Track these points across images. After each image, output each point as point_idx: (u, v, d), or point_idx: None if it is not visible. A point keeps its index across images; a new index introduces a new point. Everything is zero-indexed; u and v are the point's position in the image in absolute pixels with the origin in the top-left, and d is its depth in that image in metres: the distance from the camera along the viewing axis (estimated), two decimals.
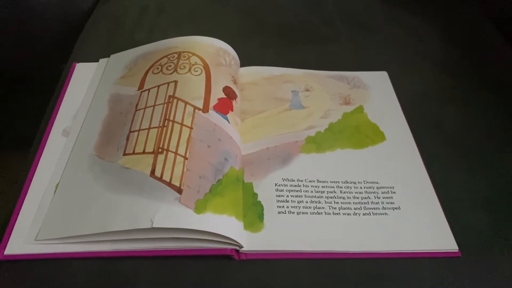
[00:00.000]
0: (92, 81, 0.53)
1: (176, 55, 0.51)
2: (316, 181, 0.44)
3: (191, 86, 0.47)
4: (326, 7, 0.69)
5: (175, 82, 0.47)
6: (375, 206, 0.43)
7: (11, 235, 0.39)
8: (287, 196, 0.43)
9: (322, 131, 0.49)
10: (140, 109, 0.46)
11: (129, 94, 0.49)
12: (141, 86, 0.49)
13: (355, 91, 0.54)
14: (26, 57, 0.68)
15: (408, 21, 0.67)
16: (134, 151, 0.42)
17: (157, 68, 0.50)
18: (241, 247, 0.38)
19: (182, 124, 0.43)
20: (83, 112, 0.49)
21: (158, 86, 0.48)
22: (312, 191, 0.43)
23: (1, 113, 0.67)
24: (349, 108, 0.52)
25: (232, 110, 0.47)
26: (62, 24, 0.69)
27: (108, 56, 0.56)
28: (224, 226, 0.38)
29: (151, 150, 0.42)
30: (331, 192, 0.44)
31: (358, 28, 0.66)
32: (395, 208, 0.43)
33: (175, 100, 0.46)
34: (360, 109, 0.52)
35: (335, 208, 0.42)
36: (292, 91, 0.54)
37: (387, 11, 0.69)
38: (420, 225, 0.42)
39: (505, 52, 0.63)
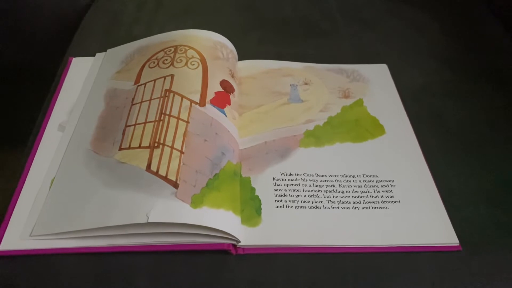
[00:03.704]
0: (89, 75, 0.53)
1: (172, 49, 0.50)
2: (314, 175, 0.44)
3: (188, 80, 0.47)
4: (326, 0, 0.69)
5: (172, 76, 0.47)
6: (375, 200, 0.42)
7: (6, 231, 0.38)
8: (285, 190, 0.42)
9: (321, 125, 0.49)
10: (136, 104, 0.46)
11: (125, 88, 0.48)
12: (137, 81, 0.49)
13: (355, 84, 0.54)
14: (23, 52, 0.68)
15: (408, 14, 0.66)
16: (130, 145, 0.42)
17: (154, 62, 0.50)
18: (239, 241, 0.38)
19: (178, 118, 0.43)
20: (79, 107, 0.49)
21: (155, 80, 0.47)
22: (310, 185, 0.43)
23: None
24: (348, 102, 0.52)
25: (229, 104, 0.47)
26: (59, 18, 0.68)
27: (105, 51, 0.56)
28: (221, 220, 0.37)
29: (147, 145, 0.41)
30: (330, 186, 0.43)
31: (358, 21, 0.65)
32: (395, 201, 0.42)
33: (171, 94, 0.45)
34: (359, 103, 0.52)
35: (333, 202, 0.42)
36: (290, 85, 0.53)
37: (387, 4, 0.68)
38: (420, 218, 0.41)
39: (506, 44, 0.62)
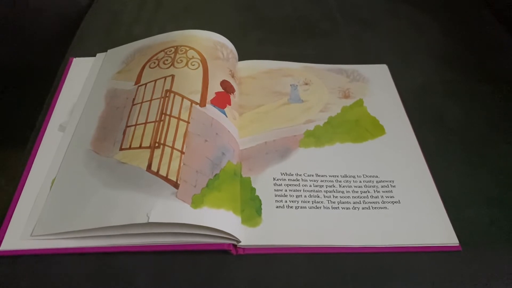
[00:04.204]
0: (89, 76, 0.53)
1: (173, 49, 0.50)
2: (315, 175, 0.44)
3: (188, 80, 0.47)
4: (326, 0, 0.69)
5: (172, 76, 0.47)
6: (375, 200, 0.42)
7: (7, 231, 0.39)
8: (286, 190, 0.42)
9: (321, 125, 0.49)
10: (137, 104, 0.46)
11: (126, 89, 0.48)
12: (138, 81, 0.49)
13: (355, 84, 0.54)
14: (23, 52, 0.68)
15: (408, 14, 0.66)
16: (130, 146, 0.42)
17: (154, 63, 0.50)
18: (239, 241, 0.38)
19: (179, 119, 0.43)
20: (79, 107, 0.49)
21: (155, 81, 0.47)
22: (310, 186, 0.43)
23: None
24: (348, 102, 0.52)
25: (229, 104, 0.47)
26: (60, 18, 0.68)
27: (106, 51, 0.56)
28: (221, 220, 0.37)
29: (148, 145, 0.41)
30: (330, 186, 0.43)
31: (358, 21, 0.65)
32: (395, 202, 0.42)
33: (172, 95, 0.45)
34: (359, 103, 0.52)
35: (334, 202, 0.42)
36: (291, 85, 0.53)
37: (387, 3, 0.68)
38: (420, 219, 0.41)
39: (506, 44, 0.62)
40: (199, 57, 0.49)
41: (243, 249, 0.39)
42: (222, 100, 0.46)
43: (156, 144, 0.41)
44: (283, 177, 0.44)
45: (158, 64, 0.49)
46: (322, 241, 0.39)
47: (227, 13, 0.66)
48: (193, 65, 0.48)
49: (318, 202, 0.42)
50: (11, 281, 0.37)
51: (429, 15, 0.66)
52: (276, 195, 0.42)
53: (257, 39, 0.61)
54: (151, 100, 0.45)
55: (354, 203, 0.42)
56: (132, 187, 0.39)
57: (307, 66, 0.56)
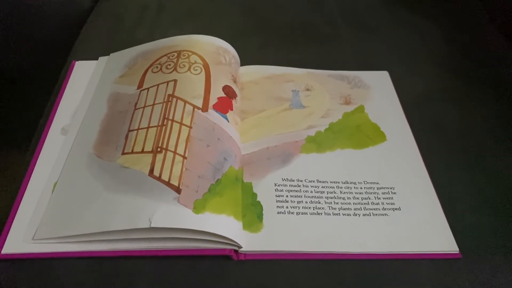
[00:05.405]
0: (92, 79, 0.53)
1: (175, 54, 0.51)
2: (316, 181, 0.44)
3: (191, 85, 0.47)
4: (327, 6, 0.69)
5: (175, 81, 0.47)
6: (375, 206, 0.43)
7: (9, 234, 0.39)
8: (287, 196, 0.43)
9: (323, 131, 0.49)
10: (139, 108, 0.46)
11: (128, 93, 0.49)
12: (140, 85, 0.49)
13: (356, 90, 0.54)
14: (26, 55, 0.68)
15: (410, 20, 0.67)
16: (133, 150, 0.42)
17: (157, 67, 0.50)
18: (240, 247, 0.38)
19: (181, 123, 0.43)
20: (82, 111, 0.49)
21: (158, 85, 0.47)
22: (312, 191, 0.43)
23: (1, 111, 0.67)
24: (349, 108, 0.52)
25: (231, 109, 0.47)
26: (62, 22, 0.68)
27: (108, 54, 0.56)
28: (223, 226, 0.38)
29: (150, 150, 0.41)
30: (331, 193, 0.43)
31: (359, 27, 0.65)
32: (395, 209, 0.43)
33: (174, 99, 0.45)
34: (360, 109, 0.52)
35: (335, 209, 0.42)
36: (292, 91, 0.53)
37: (389, 10, 0.69)
38: (420, 226, 0.41)
39: (506, 52, 0.63)
40: (201, 62, 0.49)
41: (244, 254, 0.39)
42: (224, 105, 0.47)
43: (158, 149, 0.41)
44: (285, 182, 0.44)
45: (160, 69, 0.49)
46: (322, 247, 0.39)
47: (229, 18, 0.66)
48: (196, 70, 0.48)
49: (319, 208, 0.42)
50: (12, 285, 0.37)
51: (431, 22, 0.66)
52: (277, 201, 0.42)
53: (259, 44, 0.61)
54: (153, 104, 0.46)
55: (355, 209, 0.42)
56: (134, 191, 0.39)
57: (309, 71, 0.56)
